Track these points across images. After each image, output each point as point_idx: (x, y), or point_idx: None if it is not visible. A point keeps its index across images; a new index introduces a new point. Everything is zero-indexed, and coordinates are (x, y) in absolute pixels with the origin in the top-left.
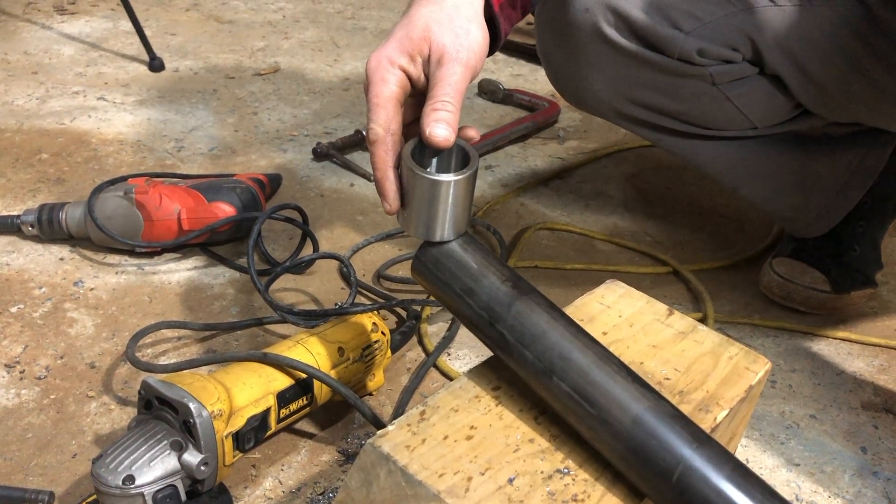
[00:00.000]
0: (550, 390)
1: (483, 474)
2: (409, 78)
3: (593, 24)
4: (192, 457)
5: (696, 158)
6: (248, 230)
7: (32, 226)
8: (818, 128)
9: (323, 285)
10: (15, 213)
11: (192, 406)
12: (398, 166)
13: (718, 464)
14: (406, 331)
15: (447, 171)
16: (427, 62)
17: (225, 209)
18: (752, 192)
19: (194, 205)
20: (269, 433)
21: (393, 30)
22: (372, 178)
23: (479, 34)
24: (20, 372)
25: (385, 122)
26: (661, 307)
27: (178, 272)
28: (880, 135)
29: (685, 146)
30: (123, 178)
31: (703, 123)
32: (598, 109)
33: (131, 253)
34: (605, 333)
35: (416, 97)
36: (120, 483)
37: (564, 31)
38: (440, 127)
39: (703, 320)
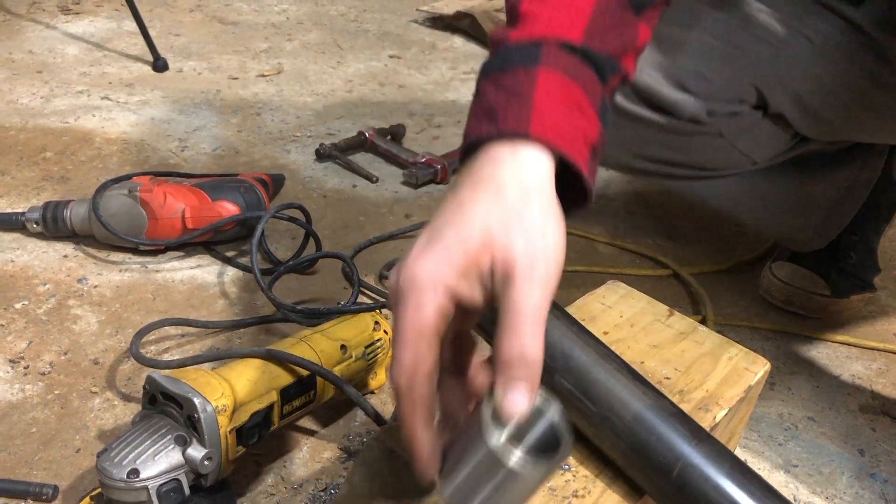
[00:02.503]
0: (552, 388)
1: None
2: (460, 299)
3: None
4: (196, 451)
5: (698, 195)
6: (251, 229)
7: (37, 223)
8: (814, 149)
9: (325, 284)
10: (20, 210)
11: (196, 401)
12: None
13: (717, 461)
14: None
15: (520, 440)
16: (490, 276)
17: (229, 208)
18: (752, 218)
19: (198, 203)
20: (272, 429)
21: (436, 224)
22: (374, 179)
23: (556, 234)
24: (24, 367)
25: (412, 363)
26: (662, 308)
27: (182, 270)
28: (873, 147)
29: (686, 186)
30: (128, 177)
31: (708, 168)
32: (602, 163)
33: (135, 251)
34: (606, 333)
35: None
36: (125, 476)
37: None
38: (519, 394)
39: (702, 322)
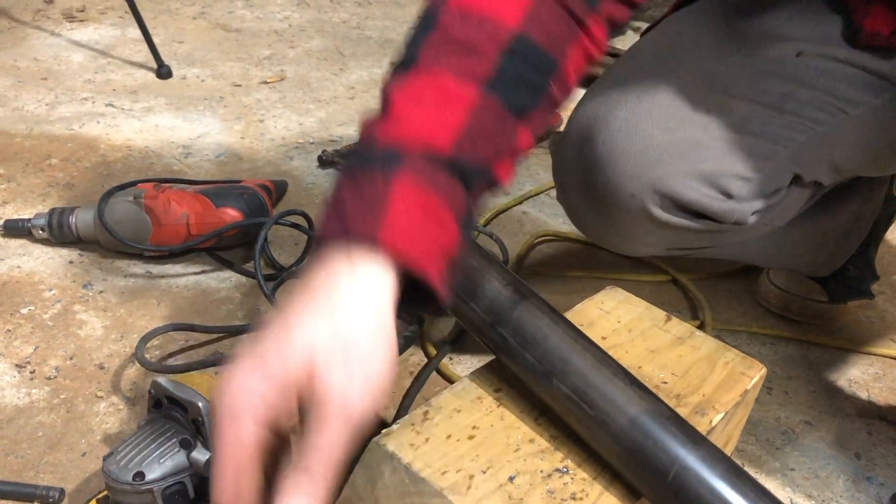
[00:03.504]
0: (550, 392)
1: (484, 472)
2: (278, 424)
3: (641, 208)
4: (201, 455)
5: (716, 256)
6: (254, 235)
7: (42, 229)
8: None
9: None
10: (25, 216)
11: (201, 405)
12: None
13: (713, 464)
14: (409, 335)
15: None
16: (308, 398)
17: (232, 214)
18: (763, 260)
19: (202, 210)
20: None
21: (264, 338)
22: None
23: (381, 363)
24: (31, 372)
25: (232, 495)
26: (660, 313)
27: (186, 276)
28: (879, 178)
29: (708, 253)
30: (133, 184)
31: (734, 242)
32: (630, 255)
33: (139, 257)
34: (604, 338)
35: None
36: (130, 479)
37: (603, 206)
38: None
39: (700, 327)
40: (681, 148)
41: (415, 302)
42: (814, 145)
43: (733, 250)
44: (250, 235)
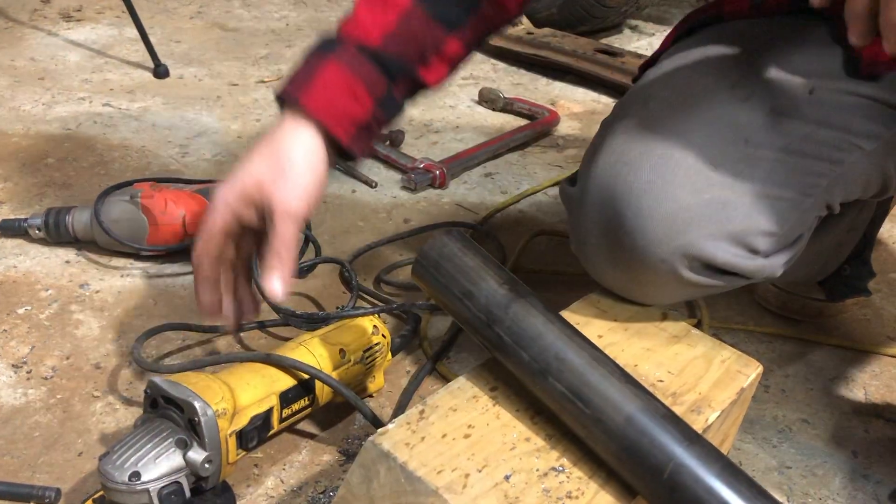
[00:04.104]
0: (546, 391)
1: (480, 471)
2: (241, 217)
3: (671, 271)
4: (197, 454)
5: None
6: None
7: (39, 229)
8: None
9: (325, 289)
10: (22, 216)
11: (197, 405)
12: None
13: (708, 462)
14: (406, 334)
15: None
16: (262, 209)
17: None
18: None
19: (199, 209)
20: (271, 432)
21: (234, 172)
22: (374, 184)
23: (310, 178)
24: (27, 372)
25: (202, 250)
26: (656, 311)
27: (182, 275)
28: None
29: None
30: (129, 183)
31: None
32: (649, 304)
33: (136, 256)
34: (600, 336)
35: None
36: (126, 479)
37: (629, 268)
38: (276, 280)
39: (698, 325)
40: (709, 210)
41: (341, 157)
42: (834, 186)
43: None
44: None
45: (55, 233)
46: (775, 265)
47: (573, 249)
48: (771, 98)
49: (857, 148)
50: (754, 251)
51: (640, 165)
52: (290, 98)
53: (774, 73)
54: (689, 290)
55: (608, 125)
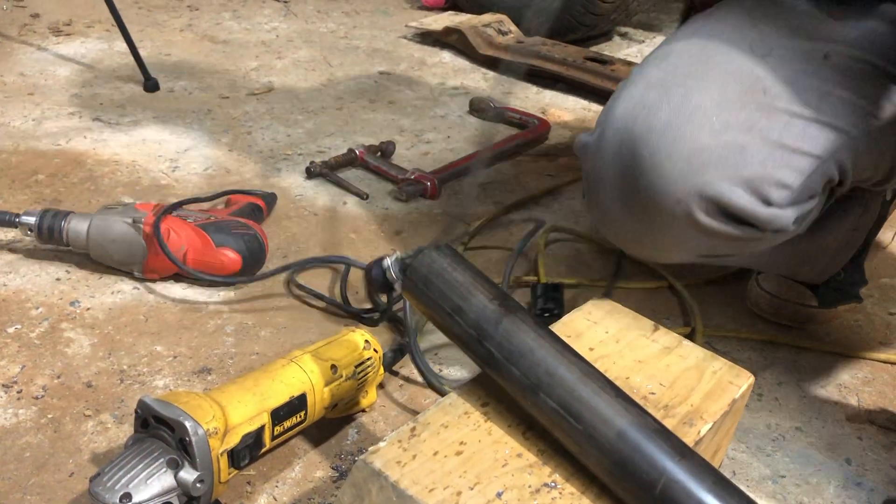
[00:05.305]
0: (538, 406)
1: (472, 489)
2: None
3: (687, 213)
4: (188, 474)
5: (731, 264)
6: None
7: (31, 230)
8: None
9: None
10: (14, 211)
11: (187, 424)
12: None
13: (700, 476)
14: (398, 348)
15: None
16: None
17: (231, 257)
18: (767, 270)
19: (201, 247)
20: (263, 450)
21: None
22: (365, 196)
23: None
24: (17, 392)
25: None
26: (647, 323)
27: (173, 292)
28: (872, 187)
29: (727, 261)
30: (131, 204)
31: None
32: (662, 262)
33: (127, 273)
34: (591, 349)
35: None
36: (117, 501)
37: (645, 211)
38: None
39: (691, 334)
40: (727, 152)
41: None
42: (847, 151)
43: (748, 259)
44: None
45: (48, 237)
46: (787, 217)
47: (584, 204)
48: (788, 58)
49: (872, 116)
50: (766, 201)
51: (658, 108)
52: None
53: (789, 38)
54: (702, 241)
55: (627, 80)
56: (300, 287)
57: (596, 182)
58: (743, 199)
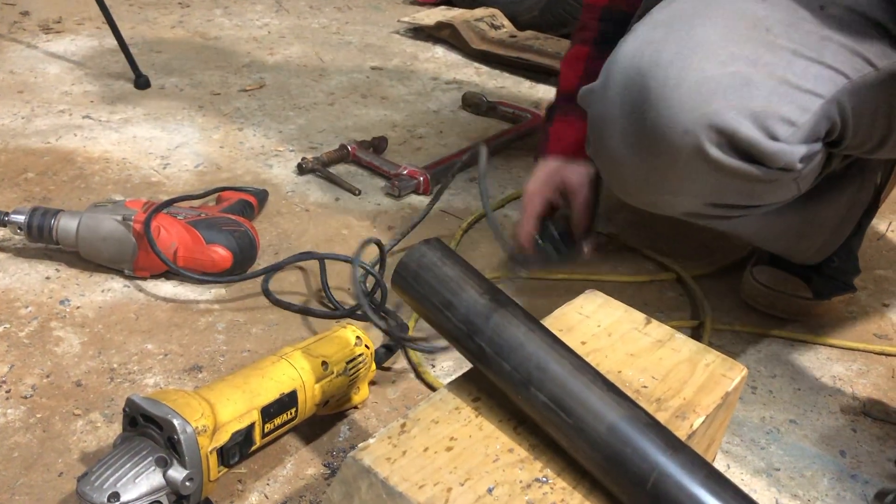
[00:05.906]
0: (528, 401)
1: (463, 485)
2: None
3: (695, 145)
4: (177, 473)
5: (721, 227)
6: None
7: (21, 228)
8: (828, 172)
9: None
10: (4, 209)
11: (176, 422)
12: None
13: (692, 470)
14: (391, 344)
15: None
16: (562, 189)
17: (221, 254)
18: (761, 241)
19: (192, 244)
20: (253, 448)
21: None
22: (357, 192)
23: (584, 172)
24: (6, 391)
25: (525, 230)
26: (639, 316)
27: (164, 289)
28: (867, 163)
29: (721, 224)
30: (121, 202)
31: (762, 206)
32: (667, 212)
33: (117, 271)
34: (583, 343)
35: None
36: (105, 500)
37: (652, 146)
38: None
39: (699, 327)
40: (734, 82)
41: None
42: (847, 95)
43: (747, 228)
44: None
45: (37, 235)
46: (794, 154)
47: (589, 149)
48: (786, 5)
49: (871, 65)
50: (772, 136)
51: (665, 42)
52: (543, 154)
53: None
54: (709, 180)
55: (631, 29)
56: (271, 298)
57: (601, 126)
58: (751, 131)
